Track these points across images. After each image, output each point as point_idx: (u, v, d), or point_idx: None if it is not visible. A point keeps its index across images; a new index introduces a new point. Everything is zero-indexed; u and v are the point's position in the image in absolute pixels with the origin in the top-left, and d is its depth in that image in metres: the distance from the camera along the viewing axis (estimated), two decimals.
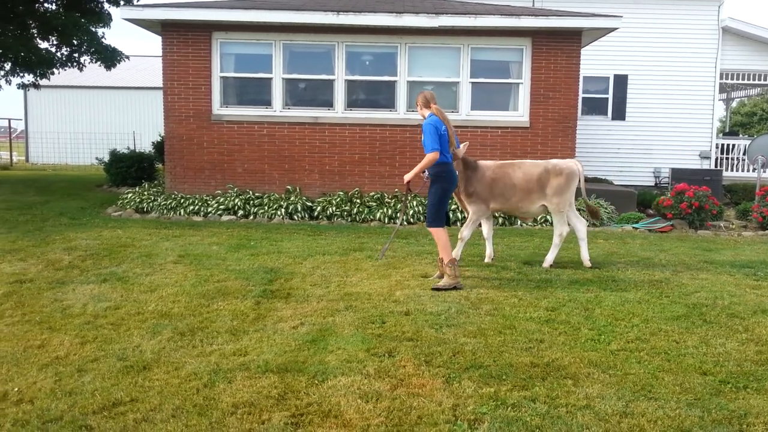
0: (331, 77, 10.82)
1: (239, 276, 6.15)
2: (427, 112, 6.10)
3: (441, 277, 6.06)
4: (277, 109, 10.88)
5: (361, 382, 3.74)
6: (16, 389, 3.54)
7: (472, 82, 10.76)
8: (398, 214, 6.17)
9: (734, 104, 22.67)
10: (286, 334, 4.53)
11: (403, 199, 6.42)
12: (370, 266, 6.75)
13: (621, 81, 15.24)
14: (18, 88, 17.69)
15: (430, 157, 5.88)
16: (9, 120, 28.42)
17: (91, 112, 26.90)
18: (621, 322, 5.06)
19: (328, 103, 10.90)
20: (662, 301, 5.69)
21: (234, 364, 3.97)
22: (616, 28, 10.44)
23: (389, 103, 10.87)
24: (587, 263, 7.10)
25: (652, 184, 15.20)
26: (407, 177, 6.23)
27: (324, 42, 10.80)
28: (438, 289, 5.74)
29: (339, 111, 10.86)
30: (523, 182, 6.89)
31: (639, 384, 3.85)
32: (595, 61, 14.47)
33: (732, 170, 16.17)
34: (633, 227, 10.01)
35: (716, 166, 15.71)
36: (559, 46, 10.60)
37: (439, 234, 6.02)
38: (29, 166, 24.67)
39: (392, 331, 4.63)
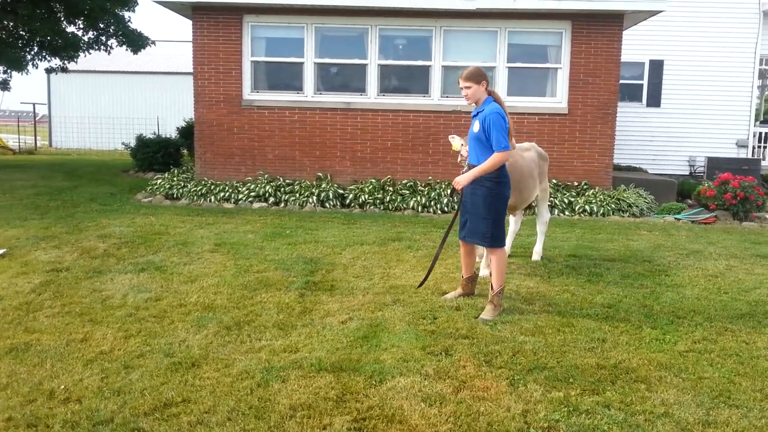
0: (363, 62, 10.56)
1: (279, 266, 5.97)
2: (482, 95, 4.73)
3: (464, 295, 5.14)
4: (309, 94, 10.65)
5: (421, 383, 3.54)
6: (62, 387, 3.39)
7: (509, 67, 10.44)
8: (446, 232, 5.23)
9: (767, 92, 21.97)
10: (336, 330, 4.33)
11: (455, 209, 5.11)
12: (411, 257, 6.53)
13: (656, 66, 14.78)
14: (46, 72, 17.63)
15: (501, 158, 4.60)
16: (34, 104, 28.56)
17: (113, 96, 26.87)
18: (683, 320, 4.80)
19: (361, 89, 10.64)
20: (722, 298, 5.42)
21: (286, 361, 3.78)
22: (661, 11, 10.06)
23: (423, 89, 10.58)
24: (539, 256, 6.62)
25: (687, 173, 14.78)
26: (463, 181, 4.75)
27: (356, 25, 10.53)
28: (486, 321, 4.61)
29: (371, 96, 10.60)
30: (529, 170, 6.14)
31: (716, 389, 3.61)
32: (629, 46, 13.94)
33: None
34: (675, 218, 9.68)
35: (753, 155, 15.24)
36: (599, 29, 10.23)
37: (501, 257, 4.78)
38: (53, 150, 24.71)
39: (445, 328, 4.42)
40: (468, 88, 4.71)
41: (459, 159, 5.35)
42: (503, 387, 3.54)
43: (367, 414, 3.19)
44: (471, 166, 4.82)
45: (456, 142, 5.35)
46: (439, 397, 3.40)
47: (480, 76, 4.71)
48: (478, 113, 4.76)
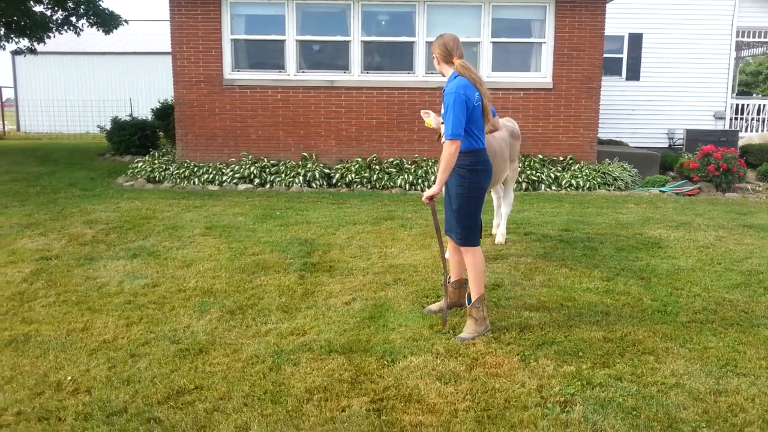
0: (346, 38, 10.40)
1: (275, 248, 5.89)
2: (448, 70, 3.96)
3: (451, 306, 4.35)
4: (291, 72, 10.47)
5: (434, 362, 3.53)
6: (69, 378, 3.30)
7: (494, 42, 10.37)
8: (442, 253, 4.37)
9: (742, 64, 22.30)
10: (341, 311, 4.30)
11: (435, 223, 4.27)
12: (406, 236, 6.50)
13: (636, 40, 14.82)
14: (13, 54, 17.09)
15: (451, 148, 3.79)
16: (0, 88, 27.73)
17: (83, 78, 26.11)
18: (681, 291, 4.86)
19: (344, 66, 10.49)
20: (716, 269, 5.49)
21: (295, 344, 3.74)
22: None
23: (407, 66, 10.47)
24: (503, 238, 6.21)
25: (666, 145, 14.93)
26: (430, 193, 3.95)
27: (339, 1, 10.35)
28: (464, 340, 3.84)
29: (355, 74, 10.46)
30: (500, 149, 5.63)
31: (722, 359, 3.66)
32: (609, 20, 13.88)
33: (746, 131, 15.89)
34: (660, 190, 9.78)
35: (730, 127, 15.43)
36: (583, 3, 10.19)
37: (476, 257, 4.00)
38: (22, 135, 24.05)
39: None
40: (435, 61, 4.07)
41: (437, 137, 5.10)
42: (515, 363, 3.54)
43: (384, 394, 3.17)
44: None
45: (431, 118, 4.92)
46: (454, 375, 3.39)
47: (436, 48, 3.99)
48: (443, 90, 4.02)
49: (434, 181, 4.38)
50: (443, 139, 4.37)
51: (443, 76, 4.06)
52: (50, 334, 3.88)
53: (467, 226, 4.01)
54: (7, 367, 3.42)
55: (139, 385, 3.23)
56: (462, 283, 4.40)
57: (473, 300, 3.96)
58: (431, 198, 3.99)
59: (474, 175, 3.97)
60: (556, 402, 3.13)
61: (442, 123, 4.74)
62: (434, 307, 4.37)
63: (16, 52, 17.08)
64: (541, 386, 3.29)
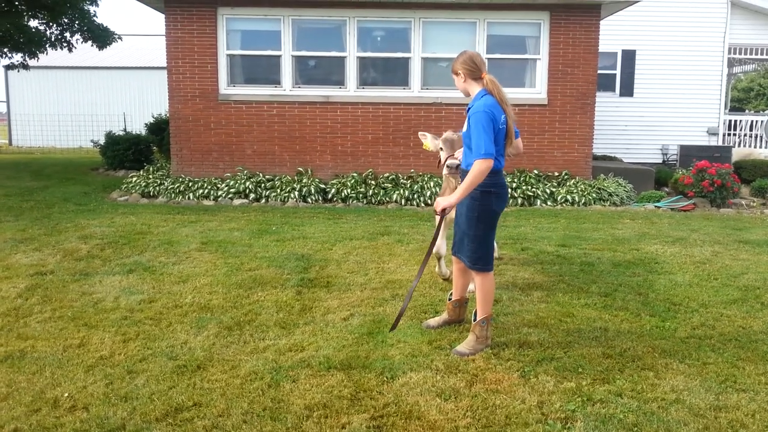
0: (342, 54, 10.44)
1: (271, 264, 5.87)
2: (475, 87, 3.85)
3: (450, 322, 4.32)
4: (287, 88, 10.50)
5: (433, 378, 3.51)
6: (66, 395, 3.26)
7: (489, 58, 10.42)
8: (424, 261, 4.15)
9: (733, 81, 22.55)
10: (339, 327, 4.27)
11: (436, 231, 4.35)
12: (403, 251, 6.49)
13: (629, 56, 14.97)
14: (6, 69, 17.07)
15: (482, 167, 3.63)
16: None
17: (75, 93, 26.11)
18: (679, 307, 4.87)
19: (340, 82, 10.53)
20: (713, 284, 5.51)
21: (293, 361, 3.71)
22: (637, 1, 10.15)
23: (403, 81, 10.52)
24: (497, 253, 5.84)
25: (660, 161, 15.03)
26: (446, 203, 3.81)
27: (334, 17, 10.41)
28: (461, 354, 3.83)
29: (351, 89, 10.50)
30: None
31: (722, 374, 3.66)
32: (602, 36, 14.05)
33: (739, 147, 16.01)
34: (655, 206, 9.82)
35: (723, 143, 15.56)
36: (577, 20, 10.30)
37: (486, 281, 3.94)
38: (15, 149, 23.98)
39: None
40: (460, 77, 3.93)
41: (437, 164, 4.62)
42: (515, 379, 3.53)
43: (384, 411, 3.14)
44: (465, 172, 3.93)
45: (428, 140, 4.72)
46: (454, 391, 3.37)
47: (461, 64, 3.86)
48: (468, 108, 3.88)
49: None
50: (445, 169, 4.37)
51: (467, 95, 3.93)
52: (46, 350, 3.84)
53: (477, 249, 3.90)
54: (3, 384, 3.38)
55: (137, 401, 3.20)
56: (462, 303, 4.34)
57: (479, 318, 3.91)
58: (444, 210, 3.84)
59: (486, 198, 3.82)
60: (557, 419, 3.11)
61: (441, 149, 4.67)
62: (433, 322, 4.34)
63: (9, 67, 17.04)
64: (542, 402, 3.27)
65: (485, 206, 3.85)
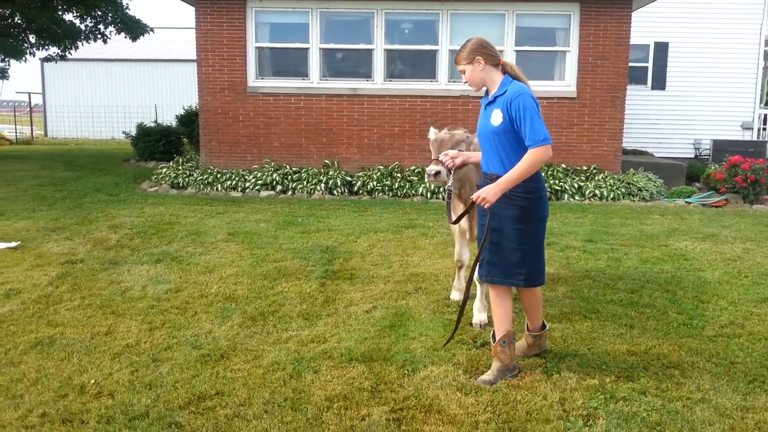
0: (369, 47, 10.44)
1: (296, 255, 5.91)
2: (497, 75, 3.41)
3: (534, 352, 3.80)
4: (314, 80, 10.54)
5: (454, 372, 3.50)
6: (92, 381, 3.33)
7: (517, 51, 10.34)
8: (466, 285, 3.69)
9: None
10: (361, 319, 4.29)
11: (481, 245, 3.55)
12: (427, 244, 6.48)
13: (661, 49, 14.68)
14: (44, 61, 17.43)
15: (541, 154, 3.22)
16: (29, 94, 28.28)
17: (109, 85, 26.54)
18: (708, 305, 4.77)
19: (367, 74, 10.53)
20: (743, 282, 5.39)
21: (315, 352, 3.74)
22: None
23: (430, 74, 10.47)
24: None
25: (692, 156, 14.73)
26: (486, 193, 3.26)
27: (362, 10, 10.40)
28: (486, 384, 3.37)
29: (378, 82, 10.49)
30: None
31: (749, 374, 3.58)
32: (634, 28, 13.80)
33: None
34: (686, 202, 9.64)
35: (758, 138, 15.18)
36: (608, 11, 10.12)
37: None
38: (50, 140, 24.50)
39: (471, 316, 4.37)
40: (463, 72, 3.47)
41: (434, 172, 3.89)
42: (537, 375, 3.50)
43: (404, 404, 3.15)
44: (487, 176, 3.46)
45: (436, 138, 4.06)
46: (474, 386, 3.36)
47: (474, 51, 3.40)
48: (495, 99, 3.37)
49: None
50: (448, 184, 3.89)
51: (483, 86, 3.47)
52: (74, 337, 3.92)
53: (533, 261, 3.44)
54: (33, 370, 3.47)
55: (161, 389, 3.25)
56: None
57: (498, 338, 3.45)
58: (485, 201, 3.26)
59: (539, 203, 3.41)
60: (578, 415, 3.08)
61: (446, 152, 3.89)
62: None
63: (46, 59, 17.41)
64: (564, 399, 3.24)
65: (537, 213, 3.43)
